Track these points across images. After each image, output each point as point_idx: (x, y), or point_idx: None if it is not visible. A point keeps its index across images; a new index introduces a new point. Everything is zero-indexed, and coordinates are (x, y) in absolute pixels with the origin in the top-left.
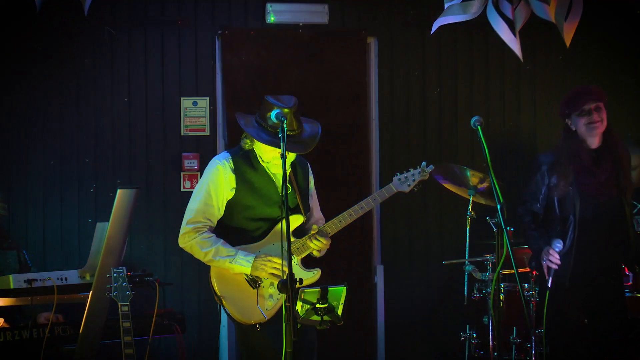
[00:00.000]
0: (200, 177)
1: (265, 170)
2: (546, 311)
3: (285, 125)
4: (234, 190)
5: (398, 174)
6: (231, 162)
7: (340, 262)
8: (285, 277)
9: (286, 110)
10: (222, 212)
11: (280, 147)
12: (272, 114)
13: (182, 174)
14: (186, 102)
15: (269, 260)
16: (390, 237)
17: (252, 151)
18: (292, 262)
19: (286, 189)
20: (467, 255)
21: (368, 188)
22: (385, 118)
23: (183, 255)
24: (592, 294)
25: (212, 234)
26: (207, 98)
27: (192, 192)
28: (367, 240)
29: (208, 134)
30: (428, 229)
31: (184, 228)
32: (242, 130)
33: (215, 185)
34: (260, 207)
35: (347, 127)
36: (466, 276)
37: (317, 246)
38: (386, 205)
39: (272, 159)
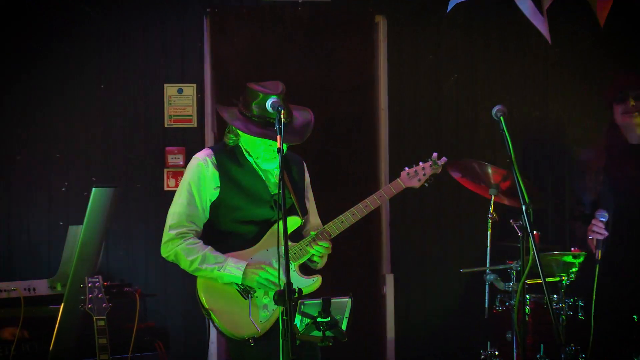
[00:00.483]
0: (181, 179)
1: (253, 167)
2: (595, 291)
3: (282, 116)
4: (219, 189)
5: (407, 168)
6: (213, 158)
7: (345, 271)
8: (282, 287)
9: (274, 98)
10: (207, 215)
11: (275, 139)
12: (268, 104)
13: (165, 170)
14: (170, 90)
15: (263, 268)
16: (401, 243)
17: (237, 147)
18: (292, 268)
19: (283, 186)
20: (488, 263)
21: (376, 187)
22: (395, 108)
23: (167, 263)
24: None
25: (199, 240)
26: (194, 85)
27: (175, 191)
28: (375, 245)
29: (195, 125)
30: (444, 233)
31: (166, 235)
32: (227, 123)
33: (197, 184)
34: (249, 208)
35: (353, 119)
36: (487, 286)
37: (317, 251)
38: (397, 207)
39: (262, 153)
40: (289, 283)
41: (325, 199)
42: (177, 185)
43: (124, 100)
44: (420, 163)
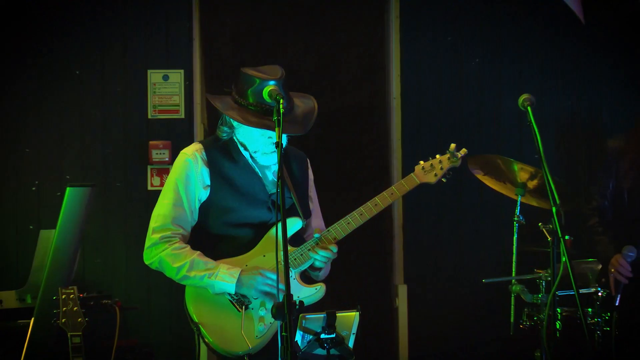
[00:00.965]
0: (167, 177)
1: (249, 163)
2: (614, 340)
3: (281, 105)
4: (209, 188)
5: (422, 162)
6: (204, 153)
7: (352, 281)
8: (281, 299)
9: (272, 84)
10: (195, 217)
11: (275, 130)
12: (265, 92)
13: (149, 167)
14: (154, 76)
15: (260, 274)
16: (416, 249)
17: (231, 141)
18: (291, 275)
19: (282, 185)
20: (513, 272)
21: (387, 185)
22: (409, 97)
23: (151, 271)
24: None
25: (186, 245)
26: (182, 71)
27: (160, 190)
28: (386, 252)
29: (183, 116)
30: (463, 238)
31: (150, 239)
32: (219, 114)
33: (185, 183)
34: (244, 209)
35: (360, 109)
36: (513, 298)
37: (320, 256)
38: (410, 208)
39: (260, 146)
40: (288, 294)
41: (329, 198)
42: (162, 184)
43: (101, 88)
44: (437, 155)
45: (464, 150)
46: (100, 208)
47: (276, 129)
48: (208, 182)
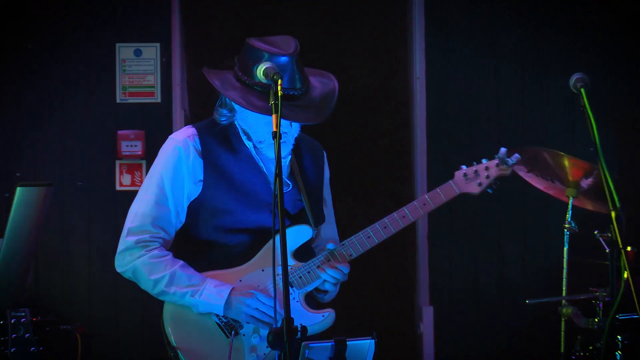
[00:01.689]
0: (150, 167)
1: (251, 155)
2: None
3: (280, 87)
4: (201, 184)
5: (464, 167)
6: (197, 140)
7: (368, 302)
8: (280, 324)
9: (284, 60)
10: (182, 219)
11: (287, 117)
12: (260, 70)
13: (117, 163)
14: (124, 51)
15: (251, 296)
16: (444, 263)
17: (231, 126)
18: (293, 298)
19: (280, 185)
20: (564, 291)
21: (408, 186)
22: (434, 77)
23: (119, 289)
24: None
25: (167, 253)
26: (157, 45)
27: (132, 191)
28: (409, 267)
29: (159, 100)
30: (503, 249)
31: (123, 242)
32: (217, 94)
33: (172, 176)
34: (241, 212)
35: (376, 92)
36: (563, 323)
37: (331, 276)
38: (438, 214)
39: (267, 136)
40: (288, 318)
41: (341, 202)
42: (134, 184)
43: (59, 64)
44: (484, 161)
45: (516, 157)
46: (58, 212)
47: (273, 115)
48: (201, 176)
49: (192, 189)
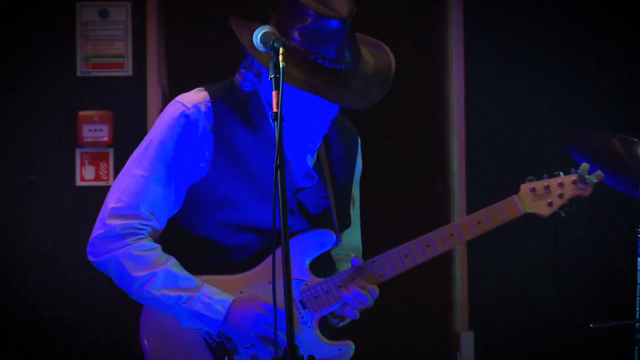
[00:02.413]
0: (147, 135)
1: (273, 134)
2: None
3: (282, 56)
4: (208, 164)
5: (533, 180)
6: (209, 108)
7: (394, 326)
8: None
9: (335, 24)
10: (178, 206)
11: (327, 96)
12: (258, 35)
13: (78, 151)
14: (87, 12)
15: (258, 310)
16: (486, 278)
17: (254, 96)
18: (305, 322)
19: (282, 178)
20: (638, 312)
21: (442, 186)
22: (475, 57)
23: (82, 299)
24: None
25: (157, 245)
26: (128, 4)
27: (97, 187)
28: (444, 284)
29: (130, 73)
30: (559, 260)
31: (103, 224)
32: (239, 55)
33: (175, 150)
34: (253, 206)
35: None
36: (637, 353)
37: (356, 299)
38: None
39: (300, 116)
40: (291, 346)
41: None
42: (97, 178)
43: (3, 28)
44: (560, 174)
45: (600, 174)
46: (3, 213)
47: (273, 92)
48: (209, 155)
49: (196, 170)
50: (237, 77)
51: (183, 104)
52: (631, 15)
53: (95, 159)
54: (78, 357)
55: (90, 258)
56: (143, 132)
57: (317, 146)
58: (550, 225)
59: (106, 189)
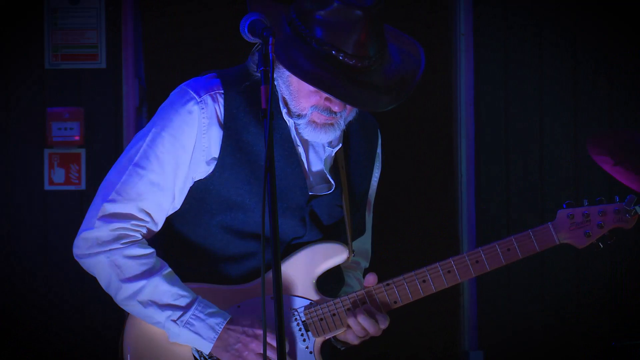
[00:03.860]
0: (147, 124)
1: (290, 136)
2: None
3: (272, 47)
4: (215, 163)
5: (572, 205)
6: (221, 101)
7: (398, 344)
8: None
9: (357, 14)
10: (177, 205)
11: (334, 92)
12: (244, 25)
13: (46, 152)
14: None
15: (254, 340)
16: (497, 293)
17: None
18: (305, 346)
19: (272, 179)
20: None
21: (444, 208)
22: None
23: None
24: None
25: (151, 250)
26: None
27: (67, 191)
28: (451, 301)
29: (103, 65)
30: (576, 275)
31: (93, 222)
32: (247, 40)
33: (180, 145)
34: (260, 211)
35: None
36: None
37: (363, 328)
38: (487, 227)
39: (310, 114)
40: None
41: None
42: (68, 182)
43: None
44: (604, 202)
45: None
46: None
47: (262, 87)
48: (216, 153)
49: (201, 167)
50: (250, 61)
51: (193, 95)
52: None
53: (65, 161)
54: None
55: (76, 256)
56: (118, 130)
57: (336, 147)
58: None
59: (78, 194)
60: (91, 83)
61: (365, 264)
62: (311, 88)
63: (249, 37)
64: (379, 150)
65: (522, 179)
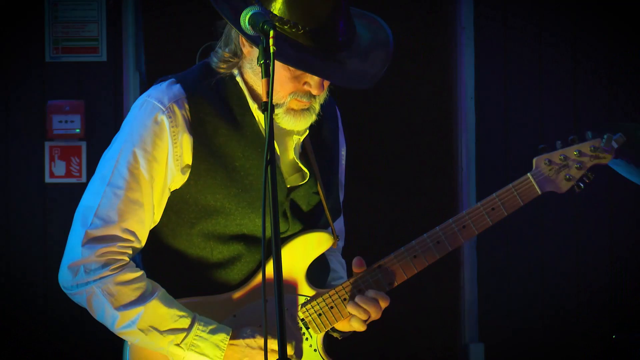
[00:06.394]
0: (114, 141)
1: (260, 130)
2: None
3: (272, 40)
4: (189, 170)
5: (547, 150)
6: (187, 107)
7: (399, 338)
8: None
9: None
10: (157, 218)
11: (321, 74)
12: (246, 17)
13: (47, 145)
14: None
15: (257, 347)
16: (499, 284)
17: (231, 82)
18: (308, 345)
19: (273, 172)
20: None
21: (447, 186)
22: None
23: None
24: None
25: (140, 272)
26: None
27: (68, 184)
28: (451, 292)
29: (104, 59)
30: (579, 265)
31: (77, 250)
32: (216, 31)
33: (152, 158)
34: (240, 213)
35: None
36: None
37: (360, 309)
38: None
39: (288, 101)
40: None
41: (360, 196)
42: (69, 174)
43: None
44: (576, 141)
45: (622, 138)
46: None
47: (262, 80)
48: (189, 160)
49: (175, 177)
50: (213, 58)
51: (159, 105)
52: None
53: (66, 154)
54: None
55: (64, 288)
56: (119, 123)
57: (304, 133)
58: (569, 227)
59: (78, 187)
60: (92, 76)
61: (342, 243)
62: (289, 75)
63: (249, 31)
64: (340, 125)
65: (521, 171)
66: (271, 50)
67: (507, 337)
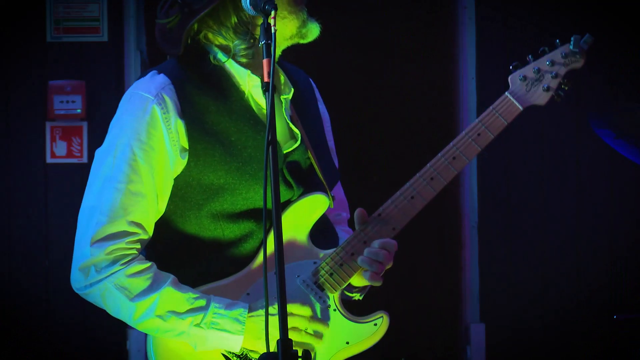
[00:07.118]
0: (109, 138)
1: (249, 105)
2: None
3: (274, 21)
4: (187, 154)
5: (519, 67)
6: (174, 92)
7: (401, 319)
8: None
9: None
10: (162, 208)
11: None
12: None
13: (48, 125)
14: None
15: (275, 312)
16: (499, 266)
17: (212, 59)
18: (329, 306)
19: (274, 150)
20: None
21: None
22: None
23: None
24: None
25: (149, 263)
26: None
27: (69, 164)
28: (452, 272)
29: (105, 39)
30: (579, 246)
31: (85, 251)
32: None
33: (148, 148)
34: (244, 187)
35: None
36: None
37: (370, 261)
38: (491, 196)
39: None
40: (284, 341)
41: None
42: (70, 155)
43: None
44: (546, 51)
45: (589, 38)
46: None
47: (264, 60)
48: (186, 143)
49: (176, 162)
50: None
51: (147, 96)
52: None
53: (67, 134)
54: None
55: (77, 290)
56: None
57: (289, 93)
58: (569, 208)
59: (79, 167)
60: (93, 56)
61: (346, 214)
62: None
63: (250, 11)
64: (317, 95)
65: (523, 148)
66: (272, 31)
67: (509, 317)
